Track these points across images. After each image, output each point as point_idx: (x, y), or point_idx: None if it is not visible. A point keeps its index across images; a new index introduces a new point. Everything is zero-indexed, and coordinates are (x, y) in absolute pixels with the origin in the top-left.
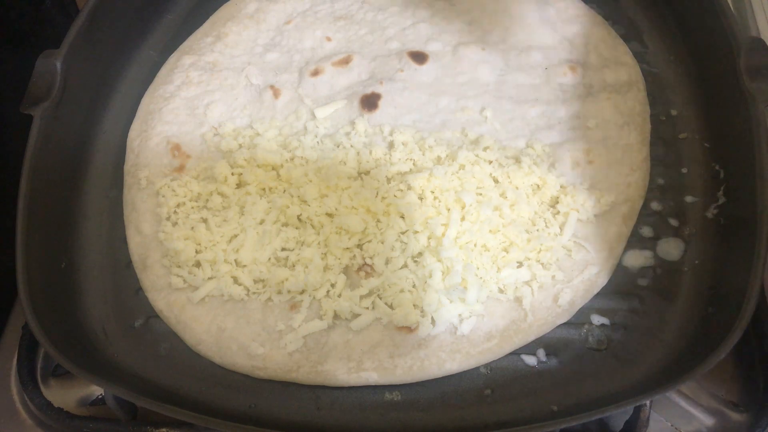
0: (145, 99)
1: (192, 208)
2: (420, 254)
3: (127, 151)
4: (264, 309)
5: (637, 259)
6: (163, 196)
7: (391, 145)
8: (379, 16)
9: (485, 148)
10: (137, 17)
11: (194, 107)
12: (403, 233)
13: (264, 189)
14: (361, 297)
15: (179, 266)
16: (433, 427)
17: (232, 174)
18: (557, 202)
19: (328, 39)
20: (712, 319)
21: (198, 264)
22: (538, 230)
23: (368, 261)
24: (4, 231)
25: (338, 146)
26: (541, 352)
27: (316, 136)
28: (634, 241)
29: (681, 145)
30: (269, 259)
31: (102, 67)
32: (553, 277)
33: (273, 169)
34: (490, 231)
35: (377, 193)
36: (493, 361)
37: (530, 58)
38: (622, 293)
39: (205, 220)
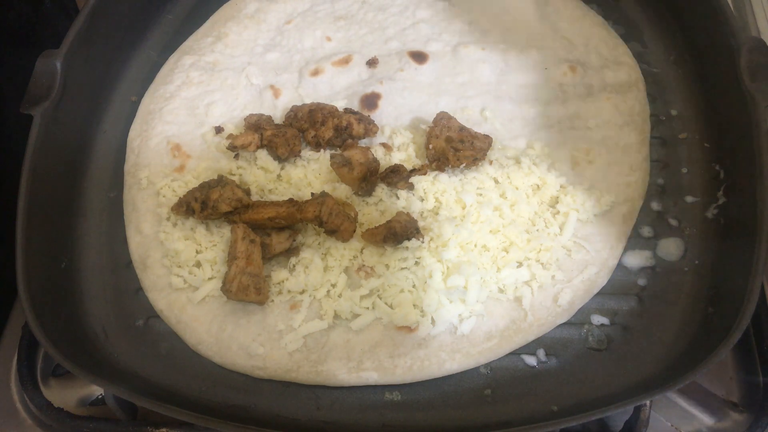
0: (145, 99)
1: None
2: (420, 255)
3: (127, 151)
4: (264, 309)
5: (637, 259)
6: (164, 196)
7: (391, 146)
8: (380, 16)
9: None
10: (137, 17)
11: (194, 107)
12: None
13: (263, 190)
14: (362, 297)
15: (180, 266)
16: (433, 427)
17: (233, 175)
18: (557, 202)
19: (328, 39)
20: (712, 319)
21: (198, 264)
22: (538, 230)
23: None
24: (4, 231)
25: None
26: (541, 352)
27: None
28: (634, 241)
29: (681, 145)
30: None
31: (102, 67)
32: (553, 277)
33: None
34: (491, 231)
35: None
36: (493, 361)
37: (530, 58)
38: (622, 293)
39: (205, 221)
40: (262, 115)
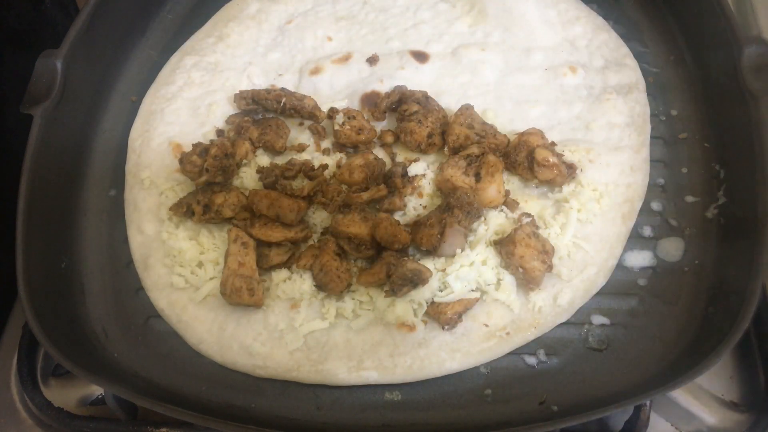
0: (146, 99)
1: None
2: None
3: (128, 151)
4: (265, 308)
5: (637, 259)
6: (166, 197)
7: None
8: (381, 17)
9: None
10: (137, 17)
11: (196, 108)
12: None
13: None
14: (361, 303)
15: (182, 266)
16: (433, 427)
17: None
18: (558, 202)
19: (329, 39)
20: (712, 319)
21: (201, 264)
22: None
23: None
24: (4, 231)
25: None
26: (541, 352)
27: None
28: (634, 241)
29: (681, 145)
30: None
31: (102, 67)
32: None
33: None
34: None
35: None
36: (493, 360)
37: (531, 58)
38: (622, 293)
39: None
40: (240, 113)
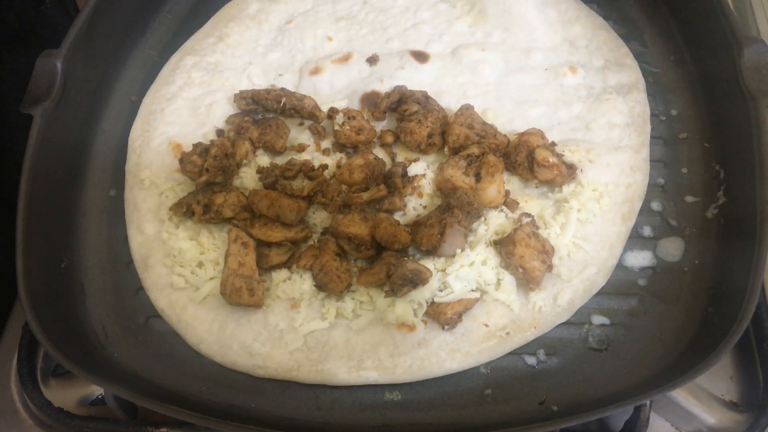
0: (146, 99)
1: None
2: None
3: (128, 151)
4: (265, 308)
5: (637, 259)
6: (166, 197)
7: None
8: (381, 17)
9: None
10: (137, 17)
11: (196, 107)
12: None
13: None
14: (361, 303)
15: (182, 266)
16: (433, 427)
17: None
18: (558, 202)
19: (329, 39)
20: (712, 319)
21: (201, 264)
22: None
23: None
24: (4, 231)
25: None
26: (541, 352)
27: None
28: (634, 241)
29: (681, 145)
30: None
31: (102, 67)
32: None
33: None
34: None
35: None
36: (493, 360)
37: (531, 58)
38: (622, 293)
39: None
40: (240, 113)
